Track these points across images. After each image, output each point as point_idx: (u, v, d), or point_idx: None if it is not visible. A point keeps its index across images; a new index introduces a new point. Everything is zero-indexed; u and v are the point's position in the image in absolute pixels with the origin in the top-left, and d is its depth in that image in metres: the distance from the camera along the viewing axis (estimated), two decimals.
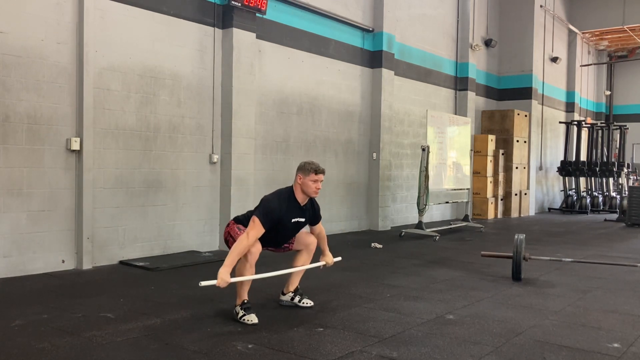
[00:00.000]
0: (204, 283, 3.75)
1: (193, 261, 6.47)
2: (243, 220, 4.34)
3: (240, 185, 7.49)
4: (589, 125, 15.84)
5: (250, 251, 4.01)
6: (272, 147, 8.23)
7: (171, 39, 6.86)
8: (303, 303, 4.54)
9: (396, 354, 3.49)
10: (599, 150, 15.70)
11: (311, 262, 4.57)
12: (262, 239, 4.13)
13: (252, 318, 4.05)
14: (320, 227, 4.57)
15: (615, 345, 3.74)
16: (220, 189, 7.48)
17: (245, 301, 4.11)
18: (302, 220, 4.34)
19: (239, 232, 4.23)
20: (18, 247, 5.55)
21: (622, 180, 15.88)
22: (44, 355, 3.35)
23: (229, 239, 4.31)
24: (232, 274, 3.94)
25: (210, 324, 4.04)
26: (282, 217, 4.18)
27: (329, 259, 4.58)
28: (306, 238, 4.49)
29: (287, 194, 4.27)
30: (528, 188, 14.47)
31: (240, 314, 4.08)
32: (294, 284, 4.58)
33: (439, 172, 9.63)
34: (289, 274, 4.58)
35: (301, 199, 4.27)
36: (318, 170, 4.20)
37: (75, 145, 5.90)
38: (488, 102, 14.30)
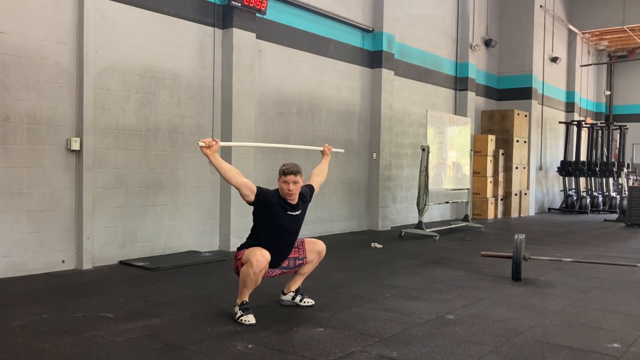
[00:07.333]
0: None
1: (193, 261, 6.47)
2: (247, 246, 4.26)
3: None
4: (589, 126, 15.84)
5: (256, 258, 3.97)
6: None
7: (171, 39, 6.86)
8: (304, 302, 4.55)
9: (396, 354, 3.49)
10: (599, 151, 15.69)
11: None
12: (271, 251, 4.10)
13: (250, 319, 4.04)
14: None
15: (615, 345, 3.74)
16: (220, 189, 7.48)
17: (245, 302, 4.11)
18: (297, 213, 4.28)
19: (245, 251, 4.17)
20: (18, 247, 5.55)
21: (622, 180, 15.87)
22: (44, 355, 3.35)
23: (239, 265, 4.19)
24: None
25: (210, 324, 4.04)
26: (273, 203, 4.13)
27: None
28: (317, 245, 4.50)
29: (274, 191, 4.26)
30: (528, 188, 14.47)
31: (238, 314, 4.08)
32: (297, 284, 4.58)
33: (439, 172, 9.63)
34: (292, 274, 4.58)
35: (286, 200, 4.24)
36: (286, 172, 4.13)
37: (75, 145, 5.90)
38: (488, 102, 14.30)
